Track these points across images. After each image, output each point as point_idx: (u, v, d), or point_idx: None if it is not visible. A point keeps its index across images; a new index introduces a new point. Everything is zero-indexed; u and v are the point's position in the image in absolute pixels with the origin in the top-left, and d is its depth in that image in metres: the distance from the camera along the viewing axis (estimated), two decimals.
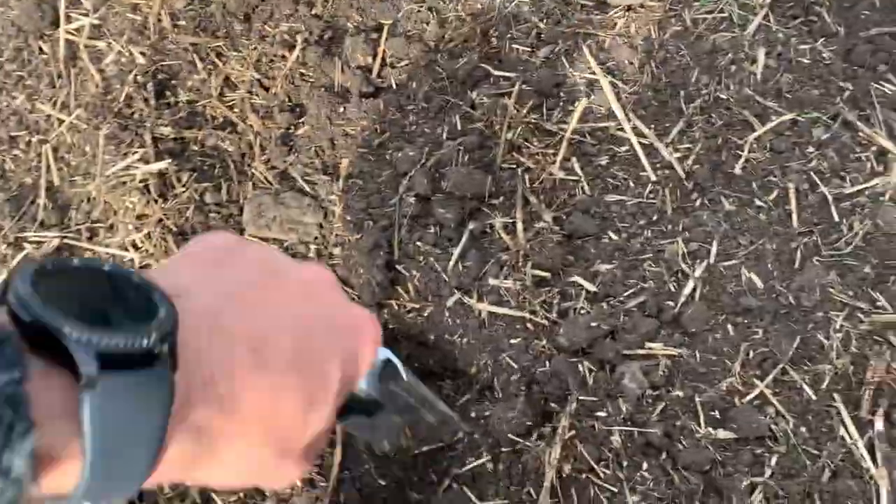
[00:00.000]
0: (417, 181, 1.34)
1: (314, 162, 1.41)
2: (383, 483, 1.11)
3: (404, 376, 0.77)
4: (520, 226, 1.29)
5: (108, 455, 0.36)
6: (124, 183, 1.41)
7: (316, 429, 0.52)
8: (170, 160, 1.43)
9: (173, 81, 1.58)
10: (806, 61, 1.42)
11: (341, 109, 1.47)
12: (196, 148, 1.48)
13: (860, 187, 1.24)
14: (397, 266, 1.28)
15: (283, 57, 1.56)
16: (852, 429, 1.06)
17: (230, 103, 1.54)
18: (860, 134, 1.31)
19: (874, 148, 1.29)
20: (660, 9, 1.50)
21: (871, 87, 1.38)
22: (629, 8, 1.53)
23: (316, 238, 1.33)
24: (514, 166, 1.38)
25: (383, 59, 1.56)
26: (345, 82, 1.53)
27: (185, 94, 1.56)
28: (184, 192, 1.39)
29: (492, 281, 1.24)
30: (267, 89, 1.54)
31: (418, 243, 1.29)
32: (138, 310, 0.39)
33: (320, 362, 0.52)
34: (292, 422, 0.49)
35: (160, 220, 1.35)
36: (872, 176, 1.26)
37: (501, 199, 1.35)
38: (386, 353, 0.74)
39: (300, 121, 1.48)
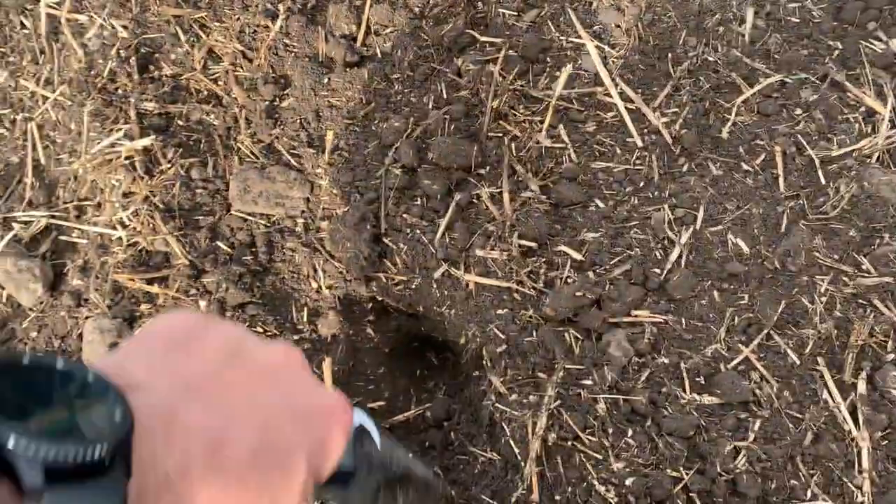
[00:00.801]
0: (403, 152, 1.34)
1: (300, 134, 1.41)
2: None
3: (377, 443, 0.70)
4: (506, 196, 1.29)
5: None
6: (110, 160, 1.41)
7: None
8: (155, 136, 1.42)
9: (156, 55, 1.56)
10: (795, 20, 1.40)
11: (326, 80, 1.46)
12: (181, 122, 1.47)
13: (847, 149, 1.23)
14: (384, 239, 1.28)
15: (266, 27, 1.54)
16: (835, 392, 1.07)
17: (214, 76, 1.52)
18: (848, 94, 1.30)
19: (862, 109, 1.28)
20: None
21: (861, 45, 1.36)
22: None
23: (303, 212, 1.33)
24: (501, 135, 1.38)
25: (368, 26, 1.54)
26: (329, 52, 1.51)
27: (168, 68, 1.54)
28: (170, 168, 1.39)
29: (478, 252, 1.24)
30: (251, 61, 1.53)
31: (405, 216, 1.29)
32: (93, 410, 0.36)
33: (285, 457, 0.46)
34: None
35: (146, 198, 1.35)
36: (860, 137, 1.25)
37: (488, 168, 1.35)
38: (360, 419, 0.69)
39: (285, 92, 1.47)
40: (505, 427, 1.10)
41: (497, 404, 1.12)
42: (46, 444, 0.32)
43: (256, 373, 0.49)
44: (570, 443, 1.06)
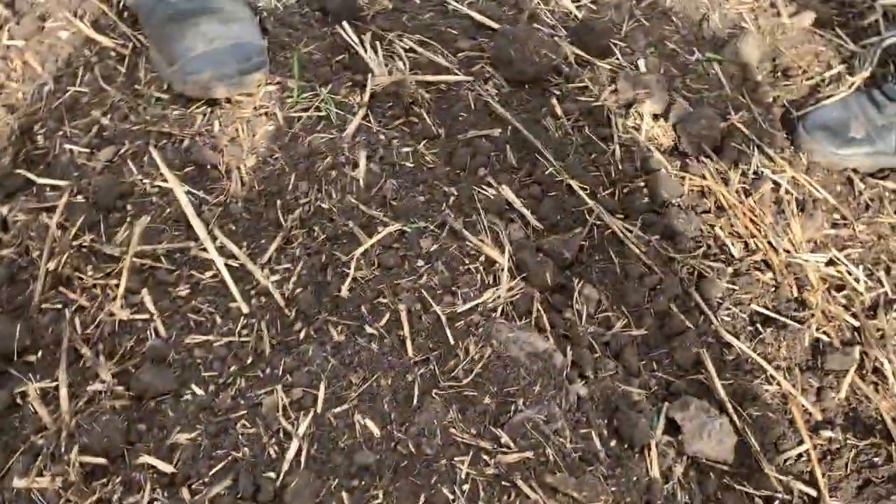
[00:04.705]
0: None
1: None
2: None
3: None
4: (64, 391, 0.94)
5: None
6: None
7: None
8: None
9: None
10: (410, 165, 1.32)
11: None
12: None
13: (472, 304, 1.13)
14: None
15: None
16: None
17: None
18: (468, 243, 1.22)
19: (482, 258, 1.21)
20: (248, 105, 1.29)
21: (475, 191, 1.32)
22: (213, 102, 1.29)
23: None
24: (60, 306, 1.04)
25: None
26: None
27: None
28: None
29: (17, 482, 0.86)
30: None
31: None
32: None
33: None
34: None
35: None
36: (483, 289, 1.16)
37: (40, 354, 0.99)
38: None
39: None
40: None
41: None
42: None
43: None
44: None
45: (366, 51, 1.48)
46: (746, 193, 1.43)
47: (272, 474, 0.93)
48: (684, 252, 1.30)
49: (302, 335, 1.09)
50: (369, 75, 1.42)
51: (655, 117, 1.54)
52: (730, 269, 1.30)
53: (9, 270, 1.05)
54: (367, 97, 1.38)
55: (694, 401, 1.11)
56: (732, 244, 1.33)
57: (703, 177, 1.44)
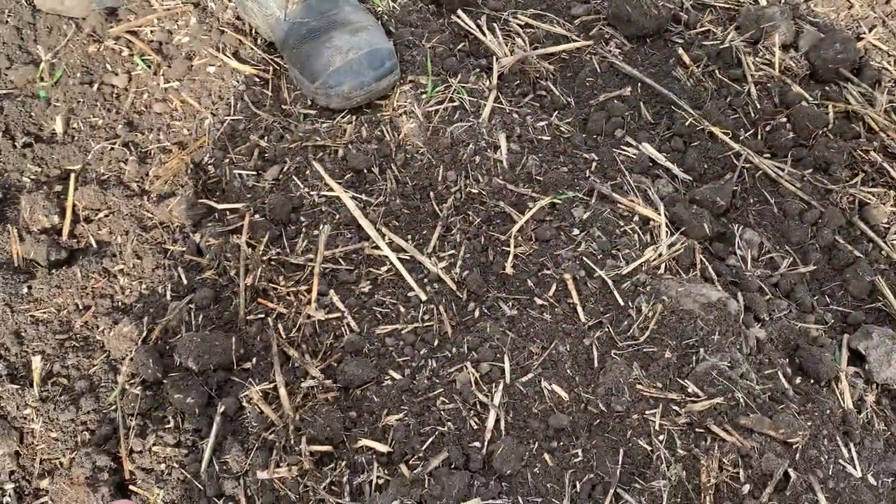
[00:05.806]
0: (141, 363, 1.06)
1: None
2: None
3: None
4: (283, 391, 1.05)
5: None
6: None
7: None
8: None
9: None
10: (547, 138, 1.36)
11: (25, 290, 1.15)
12: None
13: (635, 264, 1.16)
14: (132, 486, 0.98)
15: None
16: None
17: None
18: (619, 205, 1.25)
19: (636, 218, 1.23)
20: (388, 107, 1.37)
21: (615, 153, 1.34)
22: (356, 110, 1.38)
23: (13, 473, 0.99)
24: (263, 315, 1.15)
25: (75, 213, 1.27)
26: (27, 254, 1.20)
27: None
28: None
29: (261, 474, 0.98)
30: None
31: (155, 448, 1.00)
32: None
33: None
34: None
35: None
36: (643, 248, 1.19)
37: (254, 360, 1.11)
38: None
39: None
40: None
41: None
42: None
43: None
44: None
45: (485, 35, 1.52)
46: None
47: (477, 444, 1.01)
48: (841, 182, 1.28)
49: (477, 314, 1.15)
50: (493, 58, 1.47)
51: (785, 49, 1.51)
52: (892, 193, 1.26)
53: (213, 290, 1.17)
54: (495, 80, 1.42)
55: (876, 329, 1.10)
56: (891, 167, 1.29)
57: (847, 101, 1.40)
